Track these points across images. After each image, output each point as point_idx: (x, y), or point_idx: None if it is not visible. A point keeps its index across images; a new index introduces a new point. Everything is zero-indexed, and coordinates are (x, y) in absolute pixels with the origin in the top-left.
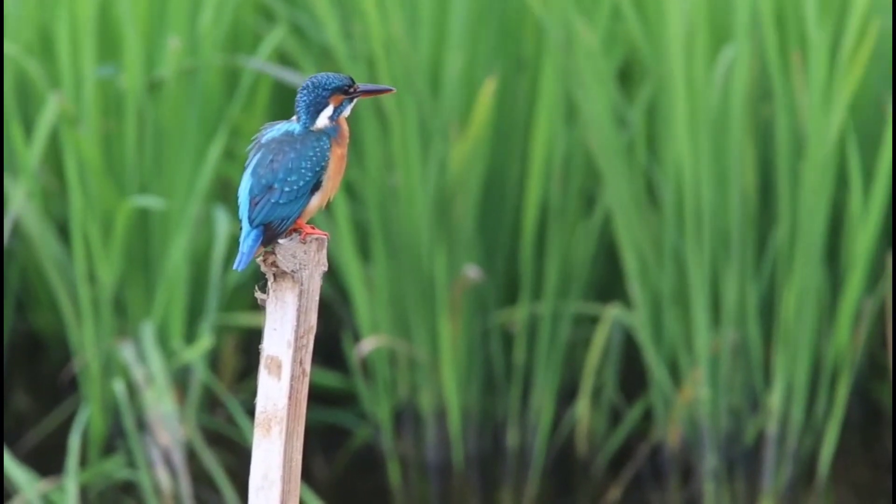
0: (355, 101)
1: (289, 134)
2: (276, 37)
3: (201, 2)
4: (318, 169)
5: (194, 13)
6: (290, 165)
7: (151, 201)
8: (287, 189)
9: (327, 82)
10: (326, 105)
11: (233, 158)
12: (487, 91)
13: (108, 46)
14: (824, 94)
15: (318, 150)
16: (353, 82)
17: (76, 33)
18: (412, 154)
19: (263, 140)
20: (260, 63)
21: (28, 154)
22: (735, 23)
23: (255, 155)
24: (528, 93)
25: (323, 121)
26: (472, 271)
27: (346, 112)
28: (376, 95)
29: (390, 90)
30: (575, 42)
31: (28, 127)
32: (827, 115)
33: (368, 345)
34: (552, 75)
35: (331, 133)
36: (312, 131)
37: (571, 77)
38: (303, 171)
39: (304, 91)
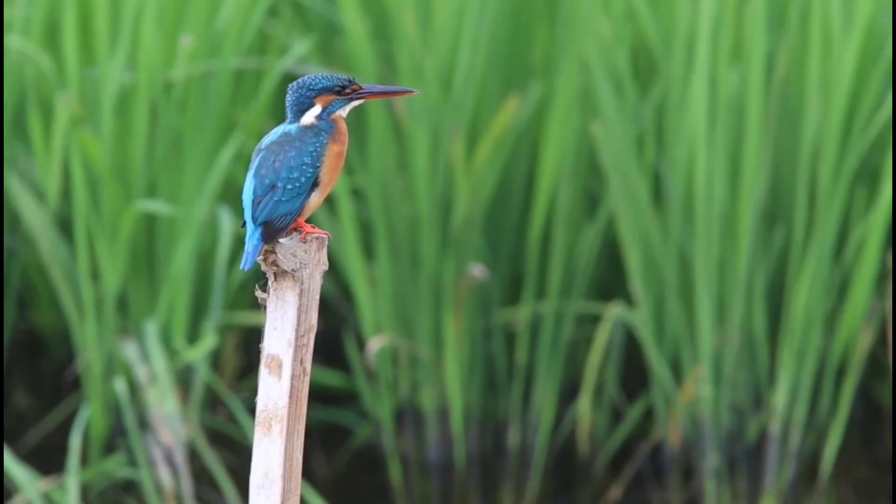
0: (355, 102)
1: (286, 134)
2: (304, 46)
3: (218, 4)
4: (318, 164)
5: (211, 15)
6: (291, 163)
7: (157, 206)
8: (289, 186)
9: (313, 83)
10: (312, 105)
11: (240, 159)
12: (510, 109)
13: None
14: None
15: (317, 145)
16: (351, 83)
17: (85, 32)
18: (420, 154)
19: (264, 145)
20: (286, 64)
21: (48, 160)
22: (753, 20)
23: (256, 158)
24: (540, 95)
25: (309, 119)
26: (476, 270)
27: (344, 112)
28: (392, 97)
29: (410, 92)
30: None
31: (31, 127)
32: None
33: (375, 344)
34: (566, 79)
35: (327, 130)
36: (310, 128)
37: (587, 74)
38: (304, 167)
39: (290, 91)
